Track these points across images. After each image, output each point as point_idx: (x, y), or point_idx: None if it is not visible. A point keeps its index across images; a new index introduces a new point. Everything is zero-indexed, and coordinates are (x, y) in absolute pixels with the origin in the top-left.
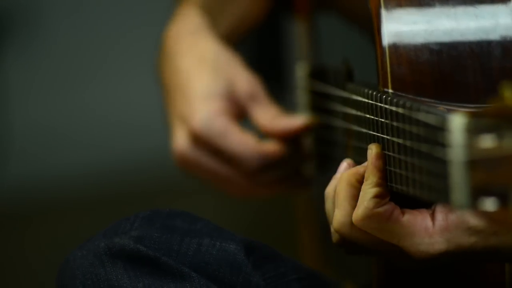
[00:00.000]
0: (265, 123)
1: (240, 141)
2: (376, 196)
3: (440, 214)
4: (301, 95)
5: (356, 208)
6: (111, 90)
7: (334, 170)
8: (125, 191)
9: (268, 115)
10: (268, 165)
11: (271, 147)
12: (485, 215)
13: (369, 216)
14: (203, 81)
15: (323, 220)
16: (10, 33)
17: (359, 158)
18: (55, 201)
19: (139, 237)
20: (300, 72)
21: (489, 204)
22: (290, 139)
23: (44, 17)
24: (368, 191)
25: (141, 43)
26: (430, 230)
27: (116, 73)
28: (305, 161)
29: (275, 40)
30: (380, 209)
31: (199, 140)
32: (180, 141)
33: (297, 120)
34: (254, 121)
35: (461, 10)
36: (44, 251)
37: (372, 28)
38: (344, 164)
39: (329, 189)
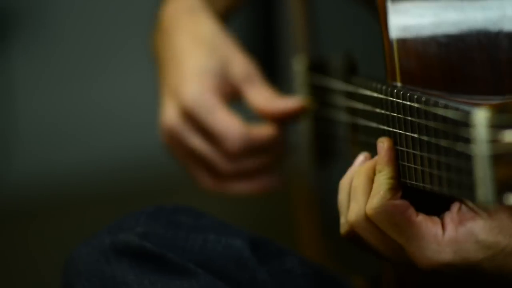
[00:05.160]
0: (260, 104)
1: (225, 120)
2: (392, 188)
3: (450, 225)
4: (299, 89)
5: (370, 198)
6: (116, 87)
7: (336, 164)
8: (130, 187)
9: (263, 97)
10: (250, 150)
11: (257, 131)
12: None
13: (385, 207)
14: (198, 58)
15: (328, 214)
16: (16, 30)
17: (368, 152)
18: (60, 198)
19: (144, 233)
20: (298, 65)
21: None
22: (283, 122)
23: (49, 14)
24: (384, 181)
25: (147, 39)
26: (439, 238)
27: (121, 70)
28: (286, 155)
29: (267, 29)
30: (397, 202)
31: (187, 115)
32: (170, 114)
33: (293, 101)
34: (249, 102)
35: (467, 2)
36: (49, 247)
37: (378, 15)
38: (361, 158)
39: (344, 181)
